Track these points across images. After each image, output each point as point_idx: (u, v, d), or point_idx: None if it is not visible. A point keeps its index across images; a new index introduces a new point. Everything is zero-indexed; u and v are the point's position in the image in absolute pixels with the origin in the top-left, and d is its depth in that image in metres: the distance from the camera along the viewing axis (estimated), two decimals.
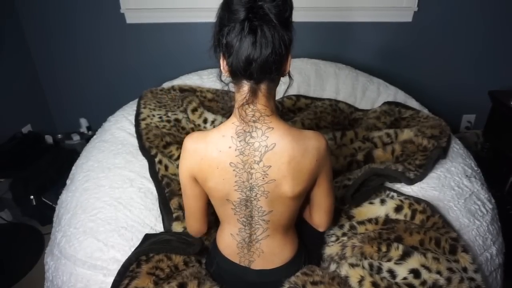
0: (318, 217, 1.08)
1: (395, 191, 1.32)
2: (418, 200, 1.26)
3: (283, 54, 0.82)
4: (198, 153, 0.92)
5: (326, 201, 1.05)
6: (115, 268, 1.11)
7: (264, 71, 0.81)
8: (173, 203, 1.30)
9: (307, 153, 0.90)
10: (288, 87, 0.93)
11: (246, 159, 0.89)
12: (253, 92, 0.85)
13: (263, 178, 0.90)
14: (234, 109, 0.90)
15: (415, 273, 1.00)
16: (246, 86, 0.85)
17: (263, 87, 0.86)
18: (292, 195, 0.93)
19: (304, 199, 1.03)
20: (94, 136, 1.78)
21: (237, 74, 0.84)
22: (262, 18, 0.78)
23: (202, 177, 0.95)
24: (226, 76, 0.88)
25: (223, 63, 0.86)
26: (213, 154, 0.90)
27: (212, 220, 1.28)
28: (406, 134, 1.62)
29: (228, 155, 0.89)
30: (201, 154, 0.92)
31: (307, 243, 1.14)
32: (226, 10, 0.82)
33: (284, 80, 0.93)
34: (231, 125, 0.90)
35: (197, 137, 0.94)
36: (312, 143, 0.91)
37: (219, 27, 0.84)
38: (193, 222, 1.09)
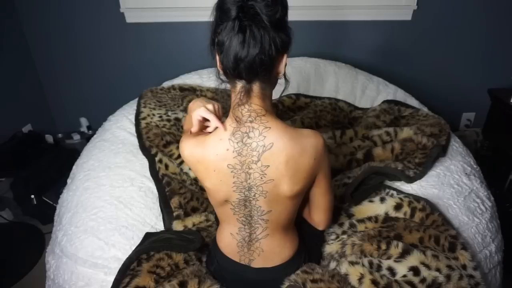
0: (317, 216, 1.09)
1: (394, 189, 1.33)
2: (417, 198, 1.27)
3: (273, 56, 0.81)
4: (193, 157, 0.93)
5: (325, 200, 1.05)
6: (116, 266, 1.12)
7: (252, 71, 0.81)
8: (174, 202, 1.31)
9: (305, 152, 0.90)
10: (284, 90, 0.92)
11: (244, 159, 0.89)
12: (246, 92, 0.85)
13: (261, 178, 0.90)
14: (229, 110, 0.90)
15: (415, 270, 1.01)
16: (239, 86, 0.86)
17: (255, 87, 0.85)
18: (290, 194, 0.93)
19: (303, 198, 1.03)
20: (95, 136, 1.78)
21: (227, 73, 0.84)
22: (252, 18, 0.78)
23: (199, 177, 0.96)
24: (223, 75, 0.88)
25: (218, 62, 0.86)
26: (210, 157, 0.91)
27: (213, 218, 1.29)
28: (406, 132, 1.62)
29: (225, 157, 0.89)
30: (197, 157, 0.92)
31: (307, 242, 1.14)
32: (219, 10, 0.82)
33: (281, 80, 0.92)
34: (227, 127, 0.90)
35: (195, 143, 0.93)
36: (310, 142, 0.91)
37: (214, 26, 0.84)
38: None
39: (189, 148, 0.94)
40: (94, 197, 1.36)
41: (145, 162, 1.50)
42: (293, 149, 0.89)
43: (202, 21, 2.33)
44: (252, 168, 0.90)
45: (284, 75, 0.90)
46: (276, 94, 0.96)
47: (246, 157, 0.89)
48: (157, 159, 1.48)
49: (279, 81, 0.91)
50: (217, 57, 0.86)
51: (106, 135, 1.71)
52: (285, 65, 0.87)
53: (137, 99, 1.94)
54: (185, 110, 1.83)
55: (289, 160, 0.89)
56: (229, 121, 0.90)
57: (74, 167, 1.61)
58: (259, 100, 0.87)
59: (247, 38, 0.77)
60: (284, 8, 0.83)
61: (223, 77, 0.89)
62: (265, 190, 0.92)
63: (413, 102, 2.01)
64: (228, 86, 0.90)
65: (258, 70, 0.81)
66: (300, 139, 0.90)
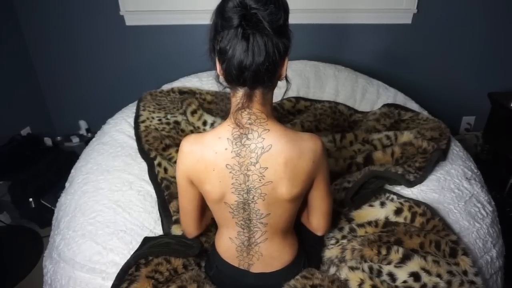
0: (316, 220, 1.08)
1: (394, 193, 1.32)
2: (418, 203, 1.26)
3: (277, 61, 0.82)
4: (194, 154, 0.93)
5: (324, 204, 1.04)
6: (114, 271, 1.11)
7: (257, 79, 0.81)
8: (173, 206, 1.30)
9: (303, 154, 0.90)
10: (285, 92, 0.92)
11: (242, 161, 0.89)
12: (248, 98, 0.85)
13: (259, 180, 0.90)
14: (229, 112, 0.90)
15: (415, 276, 1.00)
16: (240, 91, 0.86)
17: (257, 93, 0.86)
18: (289, 197, 0.93)
19: (302, 202, 1.03)
20: (93, 139, 1.77)
21: (230, 81, 0.84)
22: (255, 26, 0.77)
23: (198, 180, 0.95)
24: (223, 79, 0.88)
25: (219, 68, 0.86)
26: (209, 155, 0.90)
27: (212, 223, 1.28)
28: (406, 136, 1.62)
29: (224, 157, 0.89)
30: (197, 155, 0.92)
31: (307, 246, 1.13)
32: (219, 17, 0.82)
33: (282, 83, 0.92)
34: (227, 127, 0.90)
35: (194, 139, 0.95)
36: (309, 145, 0.91)
37: (213, 33, 0.84)
38: (187, 223, 1.11)
39: (189, 146, 0.94)
40: (93, 201, 1.35)
41: (144, 165, 1.50)
42: (292, 151, 0.89)
43: (201, 24, 2.32)
44: (250, 170, 0.90)
45: (286, 77, 0.90)
46: (276, 97, 0.95)
47: (244, 158, 0.89)
48: (156, 162, 1.47)
49: (279, 83, 0.91)
50: (217, 63, 0.86)
51: (105, 138, 1.71)
52: (286, 67, 0.88)
53: (136, 102, 1.94)
54: (184, 113, 1.82)
55: (287, 162, 0.89)
56: (228, 122, 0.90)
57: (72, 170, 1.60)
58: (260, 105, 0.87)
59: (250, 46, 0.77)
60: (286, 13, 0.84)
61: (223, 82, 0.88)
62: (263, 193, 0.92)
63: (413, 105, 2.01)
64: (227, 89, 0.90)
65: (264, 77, 0.81)
66: (298, 141, 0.90)
